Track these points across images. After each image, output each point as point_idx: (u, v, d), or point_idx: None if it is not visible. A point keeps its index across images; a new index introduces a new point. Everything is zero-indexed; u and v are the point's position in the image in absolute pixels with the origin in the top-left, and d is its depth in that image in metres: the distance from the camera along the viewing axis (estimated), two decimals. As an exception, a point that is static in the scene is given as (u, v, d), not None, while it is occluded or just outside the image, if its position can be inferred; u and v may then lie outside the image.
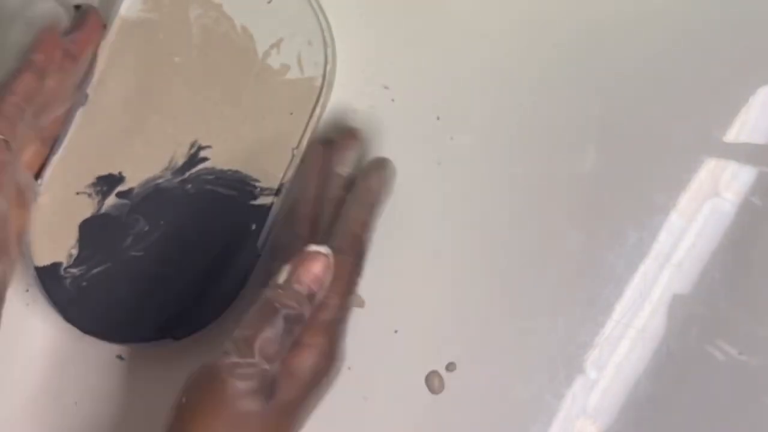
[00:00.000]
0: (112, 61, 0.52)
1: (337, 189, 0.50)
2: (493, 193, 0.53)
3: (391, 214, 0.53)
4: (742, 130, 0.51)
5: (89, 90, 0.52)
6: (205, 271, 0.51)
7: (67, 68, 0.50)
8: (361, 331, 0.51)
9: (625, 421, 0.51)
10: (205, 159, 0.52)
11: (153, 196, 0.52)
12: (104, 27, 0.52)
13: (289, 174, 0.51)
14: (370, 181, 0.50)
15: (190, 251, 0.51)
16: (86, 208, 0.52)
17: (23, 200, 0.50)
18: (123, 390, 0.53)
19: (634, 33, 0.52)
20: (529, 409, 0.51)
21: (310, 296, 0.44)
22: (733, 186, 0.51)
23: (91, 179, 0.52)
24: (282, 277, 0.44)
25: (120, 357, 0.53)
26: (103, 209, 0.52)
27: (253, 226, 0.51)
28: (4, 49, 0.53)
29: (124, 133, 0.52)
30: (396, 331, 0.52)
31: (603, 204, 0.52)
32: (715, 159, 0.51)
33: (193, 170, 0.52)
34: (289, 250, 0.46)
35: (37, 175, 0.51)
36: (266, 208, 0.51)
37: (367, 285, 0.51)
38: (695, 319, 0.51)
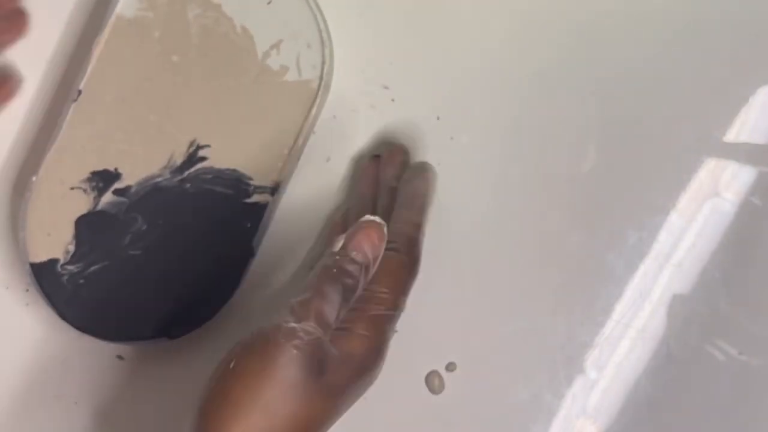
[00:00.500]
0: (106, 58, 0.52)
1: (388, 198, 0.50)
2: (493, 193, 0.53)
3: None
4: (742, 130, 0.51)
5: (82, 86, 0.52)
6: (201, 270, 0.51)
7: None
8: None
9: (625, 421, 0.51)
10: (204, 158, 0.52)
11: (152, 194, 0.52)
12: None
13: (285, 173, 0.51)
14: (416, 184, 0.50)
15: (188, 250, 0.51)
16: (82, 204, 0.52)
17: None
18: (123, 390, 0.53)
19: (635, 33, 0.53)
20: (529, 409, 0.51)
21: (366, 266, 0.44)
22: (733, 186, 0.51)
23: (86, 174, 0.52)
24: (338, 245, 0.44)
25: (120, 357, 0.53)
26: (100, 206, 0.52)
27: (248, 225, 0.51)
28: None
29: (121, 130, 0.52)
30: (396, 331, 0.52)
31: (603, 204, 0.52)
32: (715, 159, 0.51)
33: (192, 169, 0.52)
34: None
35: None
36: (261, 207, 0.51)
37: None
38: (695, 319, 0.51)
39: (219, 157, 0.52)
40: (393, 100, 0.54)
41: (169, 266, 0.51)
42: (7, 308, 0.53)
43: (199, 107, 0.52)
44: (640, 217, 0.52)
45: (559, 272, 0.52)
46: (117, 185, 0.52)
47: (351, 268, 0.44)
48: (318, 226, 0.54)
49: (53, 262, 0.51)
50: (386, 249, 0.45)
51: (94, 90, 0.52)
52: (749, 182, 0.51)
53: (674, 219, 0.51)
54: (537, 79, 0.53)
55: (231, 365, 0.42)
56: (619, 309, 0.51)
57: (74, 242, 0.51)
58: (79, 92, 0.52)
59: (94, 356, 0.53)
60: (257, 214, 0.52)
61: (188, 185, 0.52)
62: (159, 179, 0.52)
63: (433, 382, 0.52)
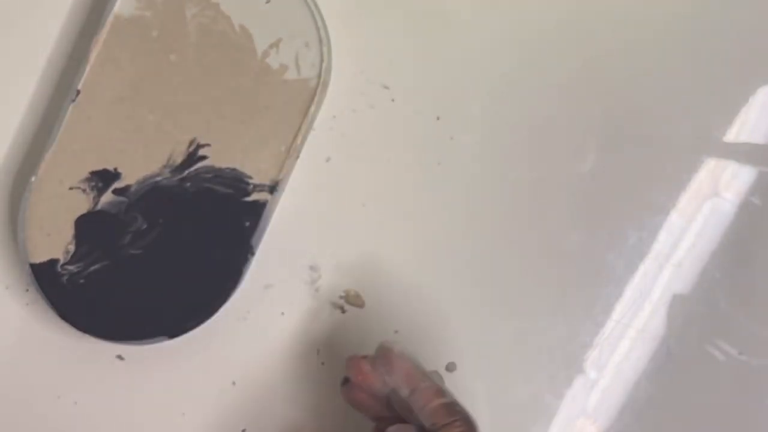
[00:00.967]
0: (104, 57, 0.52)
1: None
2: (493, 193, 0.53)
3: (392, 213, 0.53)
4: (742, 130, 0.51)
5: (80, 86, 0.52)
6: (201, 269, 0.51)
7: None
8: (361, 331, 0.51)
9: (625, 421, 0.51)
10: (204, 157, 0.52)
11: (151, 194, 0.52)
12: None
13: (284, 172, 0.51)
14: (396, 363, 0.47)
15: (188, 249, 0.51)
16: (81, 204, 0.52)
17: None
18: (123, 390, 0.52)
19: (635, 33, 0.53)
20: (529, 409, 0.51)
21: None
22: (733, 186, 0.51)
23: (85, 174, 0.52)
24: None
25: (120, 357, 0.53)
26: (99, 206, 0.52)
27: (247, 224, 0.51)
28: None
29: (120, 130, 0.52)
30: (396, 331, 0.52)
31: (603, 204, 0.52)
32: (715, 159, 0.52)
33: (192, 168, 0.52)
34: None
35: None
36: (260, 205, 0.51)
37: (367, 285, 0.51)
38: (695, 319, 0.51)
39: (218, 156, 0.52)
40: (393, 100, 0.54)
41: (169, 265, 0.51)
42: (7, 308, 0.53)
43: (198, 106, 0.52)
44: (640, 217, 0.52)
45: (559, 272, 0.52)
46: (116, 185, 0.52)
47: None
48: (318, 225, 0.54)
49: (53, 262, 0.51)
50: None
51: (92, 90, 0.52)
52: (749, 182, 0.51)
53: (674, 219, 0.51)
54: (537, 78, 0.53)
55: None
56: (619, 309, 0.51)
57: (74, 242, 0.51)
58: (78, 92, 0.52)
59: (94, 356, 0.53)
60: (256, 212, 0.52)
61: (188, 184, 0.52)
62: (158, 178, 0.52)
63: (433, 382, 0.52)
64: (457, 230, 0.53)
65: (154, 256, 0.51)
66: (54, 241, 0.51)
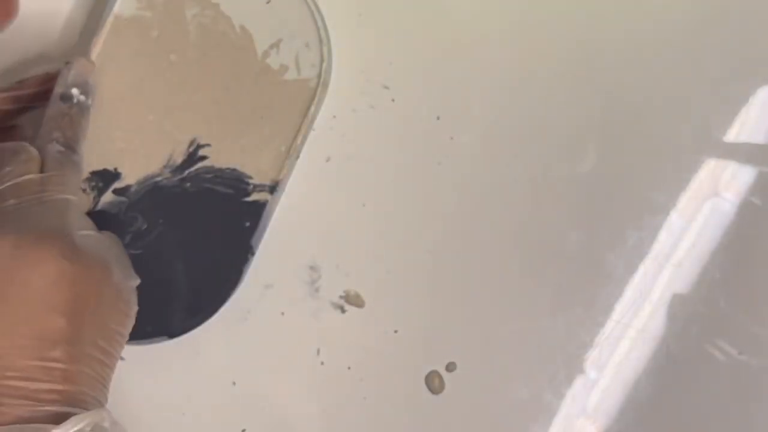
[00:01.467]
0: (104, 57, 0.52)
1: None
2: (493, 193, 0.53)
3: (392, 213, 0.53)
4: (742, 130, 0.51)
5: (81, 87, 0.52)
6: (201, 269, 0.51)
7: None
8: (361, 331, 0.51)
9: (625, 421, 0.51)
10: (204, 157, 0.52)
11: (152, 194, 0.52)
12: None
13: (284, 172, 0.51)
14: None
15: (188, 249, 0.51)
16: (82, 204, 0.51)
17: None
18: (123, 390, 0.52)
19: (635, 33, 0.53)
20: (529, 409, 0.51)
21: None
22: (733, 186, 0.51)
23: (85, 174, 0.52)
24: None
25: (120, 357, 0.53)
26: (100, 206, 0.52)
27: (247, 224, 0.51)
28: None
29: (120, 130, 0.52)
30: (396, 331, 0.52)
31: (603, 204, 0.52)
32: (715, 159, 0.52)
33: (192, 168, 0.52)
34: None
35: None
36: (260, 205, 0.52)
37: (367, 285, 0.51)
38: (695, 319, 0.51)
39: (219, 156, 0.52)
40: (393, 100, 0.54)
41: (169, 265, 0.51)
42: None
43: (199, 106, 0.52)
44: (640, 217, 0.52)
45: (559, 272, 0.52)
46: (117, 185, 0.52)
47: None
48: (318, 225, 0.54)
49: (53, 261, 0.51)
50: None
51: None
52: (749, 182, 0.51)
53: (674, 219, 0.51)
54: (537, 78, 0.53)
55: None
56: (619, 309, 0.52)
57: (74, 242, 0.51)
58: (78, 92, 0.52)
59: (94, 356, 0.53)
60: (256, 212, 0.52)
61: (188, 184, 0.52)
62: (159, 178, 0.52)
63: (433, 382, 0.52)
64: (457, 230, 0.53)
65: (154, 256, 0.51)
66: (54, 240, 0.51)
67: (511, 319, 0.52)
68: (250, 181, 0.52)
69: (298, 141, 0.52)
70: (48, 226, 0.45)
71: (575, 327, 0.52)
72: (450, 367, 0.52)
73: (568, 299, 0.52)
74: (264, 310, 0.53)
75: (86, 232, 0.46)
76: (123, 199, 0.52)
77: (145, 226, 0.51)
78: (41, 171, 0.46)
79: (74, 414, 0.41)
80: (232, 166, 0.52)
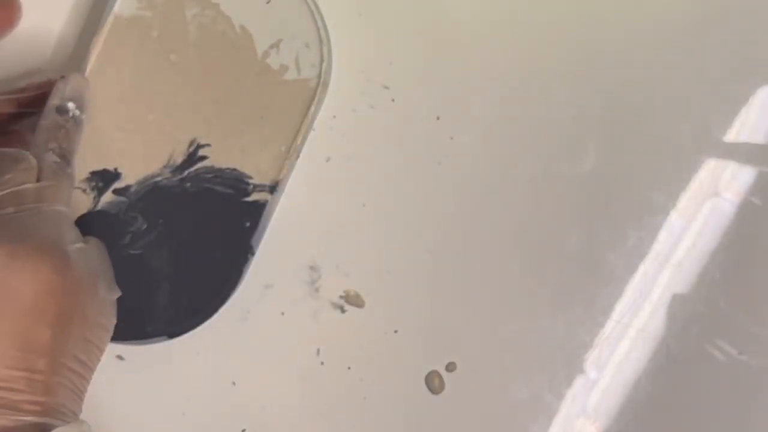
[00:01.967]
0: (104, 57, 0.52)
1: None
2: (493, 193, 0.53)
3: (392, 213, 0.53)
4: (742, 130, 0.51)
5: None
6: (201, 269, 0.51)
7: None
8: (361, 331, 0.51)
9: (625, 421, 0.51)
10: (204, 157, 0.52)
11: (152, 194, 0.52)
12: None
13: (284, 172, 0.51)
14: None
15: (188, 249, 0.51)
16: (82, 204, 0.52)
17: None
18: (123, 390, 0.52)
19: (635, 33, 0.53)
20: (529, 409, 0.51)
21: None
22: (733, 186, 0.51)
23: (85, 174, 0.52)
24: None
25: (120, 357, 0.53)
26: (100, 206, 0.52)
27: (247, 224, 0.51)
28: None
29: (120, 130, 0.52)
30: (396, 331, 0.52)
31: (603, 204, 0.52)
32: (715, 159, 0.52)
33: (192, 168, 0.52)
34: None
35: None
36: (260, 205, 0.52)
37: (367, 285, 0.51)
38: (695, 319, 0.51)
39: (219, 156, 0.52)
40: (393, 100, 0.54)
41: (169, 265, 0.51)
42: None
43: (199, 106, 0.52)
44: (640, 217, 0.52)
45: (559, 272, 0.52)
46: (117, 185, 0.52)
47: None
48: (318, 225, 0.54)
49: (54, 262, 0.51)
50: None
51: (92, 89, 0.52)
52: (749, 182, 0.51)
53: (674, 219, 0.51)
54: (537, 78, 0.53)
55: None
56: (619, 309, 0.52)
57: (74, 242, 0.51)
58: (78, 92, 0.52)
59: (94, 356, 0.53)
60: (256, 212, 0.52)
61: (188, 184, 0.52)
62: (159, 178, 0.52)
63: (433, 382, 0.52)
64: (457, 230, 0.53)
65: (154, 256, 0.51)
66: (54, 241, 0.51)
67: (511, 319, 0.52)
68: (250, 181, 0.52)
69: (298, 141, 0.52)
70: (44, 237, 0.45)
71: (575, 327, 0.52)
72: (450, 367, 0.52)
73: (568, 299, 0.52)
74: (264, 310, 0.53)
75: (78, 245, 0.46)
76: (123, 199, 0.52)
77: (145, 226, 0.51)
78: (37, 180, 0.46)
79: (53, 426, 0.42)
80: (232, 166, 0.52)
